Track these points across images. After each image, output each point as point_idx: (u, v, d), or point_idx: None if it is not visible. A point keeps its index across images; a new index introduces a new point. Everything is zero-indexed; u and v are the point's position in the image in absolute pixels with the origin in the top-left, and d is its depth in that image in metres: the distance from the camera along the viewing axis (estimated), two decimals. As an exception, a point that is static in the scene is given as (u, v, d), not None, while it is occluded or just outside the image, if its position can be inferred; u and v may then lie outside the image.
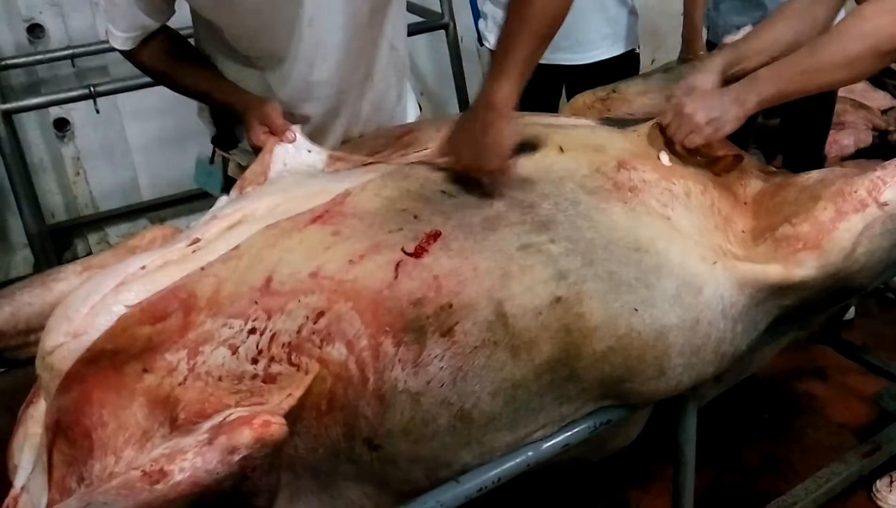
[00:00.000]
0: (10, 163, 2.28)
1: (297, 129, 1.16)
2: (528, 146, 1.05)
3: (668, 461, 1.13)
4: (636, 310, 0.90)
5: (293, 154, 1.13)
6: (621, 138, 1.14)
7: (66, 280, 1.04)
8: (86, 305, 0.88)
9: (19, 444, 0.94)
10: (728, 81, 1.16)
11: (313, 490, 0.89)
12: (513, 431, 0.90)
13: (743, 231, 1.10)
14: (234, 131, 1.29)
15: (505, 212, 0.93)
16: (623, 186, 1.02)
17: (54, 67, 2.51)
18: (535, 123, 1.13)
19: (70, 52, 2.43)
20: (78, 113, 2.53)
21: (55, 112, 2.54)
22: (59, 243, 2.66)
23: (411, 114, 1.38)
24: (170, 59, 1.22)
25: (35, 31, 2.47)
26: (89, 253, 2.73)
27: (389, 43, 1.22)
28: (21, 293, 1.06)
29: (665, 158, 1.11)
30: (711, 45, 1.93)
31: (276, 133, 1.14)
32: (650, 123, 1.18)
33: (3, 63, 2.38)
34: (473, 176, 0.99)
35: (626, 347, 0.90)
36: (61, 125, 2.59)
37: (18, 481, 0.90)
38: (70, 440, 0.84)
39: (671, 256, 0.95)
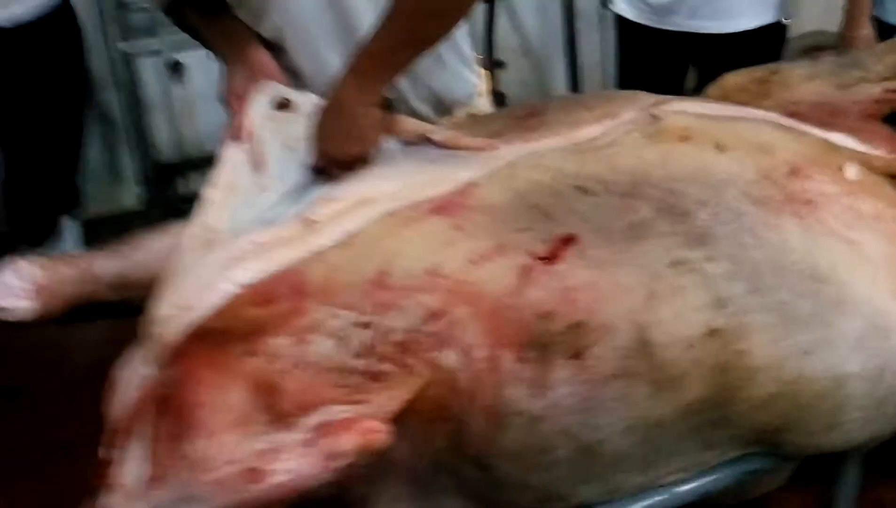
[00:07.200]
0: (125, 101, 2.38)
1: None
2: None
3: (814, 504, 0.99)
4: (809, 352, 0.77)
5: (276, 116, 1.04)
6: (793, 140, 0.96)
7: (175, 238, 1.02)
8: (196, 277, 0.85)
9: (120, 395, 0.94)
10: None
11: (410, 496, 0.84)
12: (643, 473, 0.81)
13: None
14: None
15: (653, 219, 0.81)
16: (796, 198, 0.85)
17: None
18: (685, 110, 1.00)
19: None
20: (191, 56, 2.56)
21: (170, 54, 2.59)
22: (166, 179, 2.76)
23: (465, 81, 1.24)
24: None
25: (158, -27, 2.51)
26: (195, 192, 2.81)
27: None
28: (131, 249, 1.07)
29: (852, 170, 0.93)
30: (883, 27, 1.68)
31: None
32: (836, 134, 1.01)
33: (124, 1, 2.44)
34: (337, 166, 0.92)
35: (794, 395, 0.78)
36: (175, 67, 2.65)
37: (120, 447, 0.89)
38: (172, 416, 0.82)
39: (856, 289, 0.80)
